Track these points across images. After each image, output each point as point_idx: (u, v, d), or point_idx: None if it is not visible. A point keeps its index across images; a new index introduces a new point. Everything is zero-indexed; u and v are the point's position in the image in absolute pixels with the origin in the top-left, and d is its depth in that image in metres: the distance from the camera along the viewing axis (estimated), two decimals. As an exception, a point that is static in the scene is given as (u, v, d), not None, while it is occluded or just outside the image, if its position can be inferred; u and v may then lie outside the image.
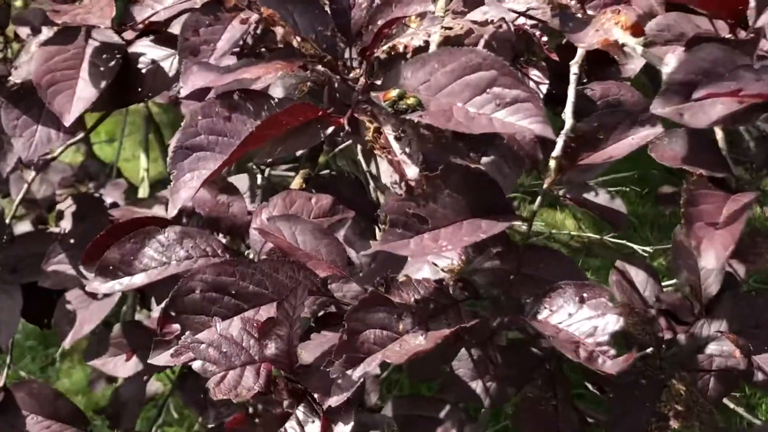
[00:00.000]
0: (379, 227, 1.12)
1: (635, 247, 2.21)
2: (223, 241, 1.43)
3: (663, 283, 1.74)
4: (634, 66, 1.47)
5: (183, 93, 1.16)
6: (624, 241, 2.34)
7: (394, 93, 1.14)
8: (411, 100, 1.13)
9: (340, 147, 2.00)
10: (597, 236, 2.40)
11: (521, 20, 1.37)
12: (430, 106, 1.13)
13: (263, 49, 1.52)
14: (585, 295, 1.10)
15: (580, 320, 1.09)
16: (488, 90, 1.11)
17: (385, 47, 1.23)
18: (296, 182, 1.60)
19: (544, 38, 1.35)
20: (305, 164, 1.68)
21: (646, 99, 1.44)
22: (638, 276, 1.77)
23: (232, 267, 1.21)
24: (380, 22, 1.22)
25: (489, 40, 1.37)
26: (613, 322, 1.07)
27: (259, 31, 1.51)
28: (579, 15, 1.22)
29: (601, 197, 1.29)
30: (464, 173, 1.13)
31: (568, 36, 1.19)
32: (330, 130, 1.21)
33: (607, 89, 1.44)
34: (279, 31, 1.16)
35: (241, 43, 1.46)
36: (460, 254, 1.16)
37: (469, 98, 1.11)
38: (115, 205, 1.99)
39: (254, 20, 1.45)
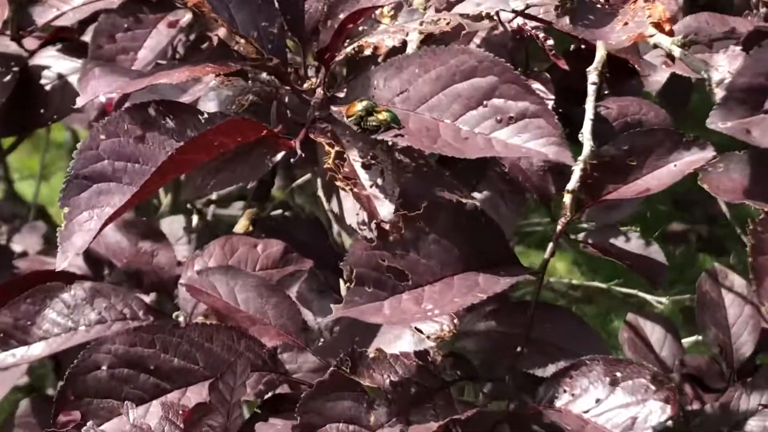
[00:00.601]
0: (343, 280, 0.88)
1: (647, 297, 1.97)
2: (147, 300, 1.19)
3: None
4: (659, 78, 1.24)
5: (80, 102, 0.92)
6: (632, 290, 2.09)
7: (360, 106, 0.92)
8: (383, 115, 0.91)
9: (298, 182, 1.76)
10: (602, 285, 2.15)
11: (518, 19, 1.14)
12: (409, 124, 0.91)
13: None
14: (618, 374, 0.86)
15: (612, 408, 0.86)
16: (486, 102, 0.90)
17: (348, 49, 1.00)
18: (241, 225, 1.36)
19: (550, 41, 1.12)
20: (252, 202, 1.44)
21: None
22: (654, 333, 1.56)
23: (150, 335, 0.97)
24: (342, 16, 0.98)
25: (480, 45, 1.14)
26: (657, 412, 0.83)
27: (192, 37, 1.28)
28: (599, 5, 0.99)
29: (634, 243, 1.05)
30: (454, 212, 0.91)
31: (586, 32, 0.96)
32: (279, 156, 0.98)
33: (624, 107, 1.22)
34: (220, 32, 0.92)
35: (169, 52, 1.23)
36: (451, 316, 0.92)
37: (460, 113, 0.90)
38: (25, 254, 1.72)
39: (185, 23, 1.22)
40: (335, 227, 1.47)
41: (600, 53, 1.02)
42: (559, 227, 0.96)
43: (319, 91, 1.00)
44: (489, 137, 0.88)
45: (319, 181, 1.29)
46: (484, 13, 0.99)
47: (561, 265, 2.83)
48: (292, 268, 1.22)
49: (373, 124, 0.91)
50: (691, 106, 1.68)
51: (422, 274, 0.88)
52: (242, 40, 0.96)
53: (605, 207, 0.97)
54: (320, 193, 1.43)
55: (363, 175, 0.94)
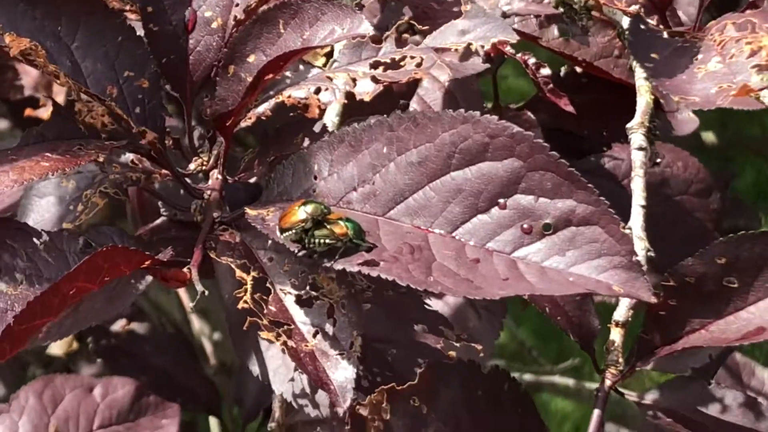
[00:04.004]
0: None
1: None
2: None
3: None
4: (690, 115, 1.07)
5: None
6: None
7: (301, 213, 0.72)
8: (341, 228, 0.71)
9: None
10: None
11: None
12: (381, 239, 0.70)
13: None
14: None
15: None
16: (504, 200, 0.71)
17: (261, 109, 0.80)
18: (61, 341, 1.13)
19: (545, 71, 0.94)
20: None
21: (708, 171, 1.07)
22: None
23: None
24: (253, 59, 0.78)
25: (448, 87, 0.96)
26: None
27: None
28: (663, 36, 0.80)
29: (733, 405, 0.85)
30: (466, 378, 0.74)
31: (655, 82, 0.77)
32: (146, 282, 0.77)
33: (642, 156, 1.05)
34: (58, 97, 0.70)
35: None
36: None
37: (462, 218, 0.72)
38: None
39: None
40: (208, 342, 1.26)
41: (644, 99, 0.84)
42: (607, 383, 0.78)
43: (216, 176, 0.80)
44: (512, 258, 0.69)
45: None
46: (475, 47, 0.79)
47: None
48: (149, 421, 1.02)
49: (326, 242, 0.70)
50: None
51: (423, 490, 0.69)
52: (93, 103, 0.74)
53: (678, 355, 0.79)
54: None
55: (300, 318, 0.75)
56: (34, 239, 0.71)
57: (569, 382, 1.69)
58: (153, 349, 1.16)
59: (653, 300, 0.67)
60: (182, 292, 1.34)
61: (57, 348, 1.21)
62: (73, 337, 1.19)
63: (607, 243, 0.68)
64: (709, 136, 1.66)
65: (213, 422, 1.32)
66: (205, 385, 1.18)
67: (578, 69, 1.04)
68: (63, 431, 1.01)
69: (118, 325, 1.20)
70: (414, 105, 0.97)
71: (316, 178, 0.74)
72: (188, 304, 1.34)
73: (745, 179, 2.40)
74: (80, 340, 1.20)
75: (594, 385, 1.75)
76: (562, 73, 1.06)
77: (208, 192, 0.80)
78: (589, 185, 0.70)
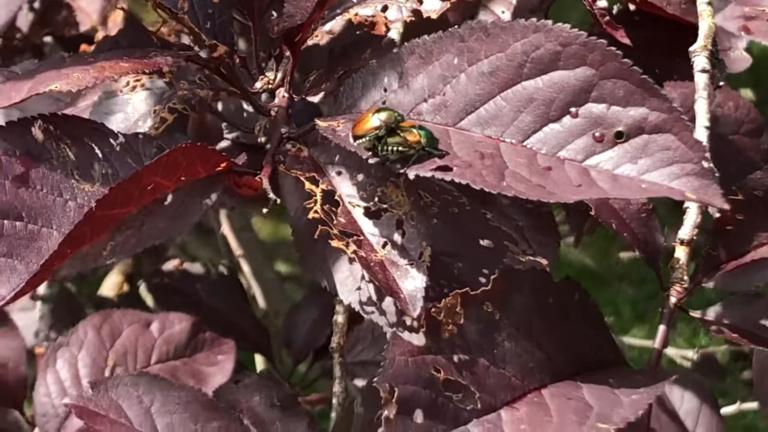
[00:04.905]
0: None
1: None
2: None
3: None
4: (743, 53, 1.06)
5: None
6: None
7: (375, 120, 0.72)
8: (414, 135, 0.70)
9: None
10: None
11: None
12: (453, 147, 0.69)
13: (49, 38, 1.08)
14: None
15: None
16: (576, 109, 0.70)
17: (328, 26, 0.79)
18: (111, 282, 1.13)
19: (601, 2, 0.94)
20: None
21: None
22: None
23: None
24: (322, -27, 0.78)
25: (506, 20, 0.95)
26: None
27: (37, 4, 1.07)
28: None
29: None
30: (538, 286, 0.73)
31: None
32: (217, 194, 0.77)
33: (689, 96, 1.03)
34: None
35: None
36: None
37: (533, 127, 0.71)
38: None
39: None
40: (252, 279, 1.26)
41: (706, 23, 0.84)
42: (672, 299, 0.77)
43: (282, 94, 0.79)
44: (584, 166, 0.69)
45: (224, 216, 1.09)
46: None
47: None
48: (205, 356, 1.02)
49: (399, 150, 0.70)
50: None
51: (495, 390, 0.69)
52: (165, 15, 0.74)
53: (745, 270, 0.78)
54: (227, 229, 1.23)
55: (369, 229, 0.74)
56: (111, 140, 0.71)
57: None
58: (204, 288, 1.16)
59: (726, 207, 0.67)
60: (230, 236, 1.35)
61: (108, 289, 1.21)
62: (124, 279, 1.19)
63: (680, 150, 0.68)
64: (747, 93, 1.67)
65: (258, 360, 1.32)
66: (256, 326, 1.18)
67: (631, 6, 1.03)
68: (121, 365, 1.01)
69: (171, 265, 1.21)
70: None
71: (386, 90, 0.74)
72: (237, 251, 1.35)
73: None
74: (131, 282, 1.20)
75: (628, 340, 1.75)
76: (614, 10, 1.06)
77: (275, 109, 0.80)
78: (663, 92, 0.70)
